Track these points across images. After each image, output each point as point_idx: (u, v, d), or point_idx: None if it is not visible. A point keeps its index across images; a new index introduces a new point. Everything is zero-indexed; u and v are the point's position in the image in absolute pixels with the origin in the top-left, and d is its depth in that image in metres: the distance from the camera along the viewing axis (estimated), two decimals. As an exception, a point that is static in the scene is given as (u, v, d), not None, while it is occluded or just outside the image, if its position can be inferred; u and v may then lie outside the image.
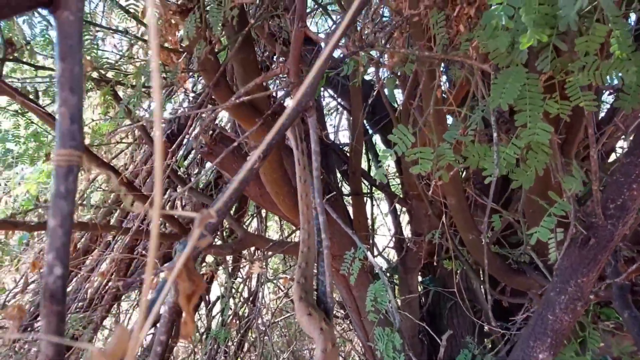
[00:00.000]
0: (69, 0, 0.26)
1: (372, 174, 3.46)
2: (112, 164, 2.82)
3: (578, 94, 0.74)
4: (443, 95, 1.23)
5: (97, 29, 1.63)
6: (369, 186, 3.20)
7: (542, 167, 0.80)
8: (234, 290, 3.53)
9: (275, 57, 2.87)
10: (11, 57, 1.99)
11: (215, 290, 3.70)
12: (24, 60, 2.05)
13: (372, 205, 3.24)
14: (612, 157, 2.13)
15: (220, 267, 3.40)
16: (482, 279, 2.27)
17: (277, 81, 2.61)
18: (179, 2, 1.47)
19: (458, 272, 2.13)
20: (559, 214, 0.82)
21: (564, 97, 0.75)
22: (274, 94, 2.62)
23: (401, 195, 2.71)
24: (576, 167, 0.84)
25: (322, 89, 2.95)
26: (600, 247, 0.86)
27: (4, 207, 3.21)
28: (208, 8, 1.32)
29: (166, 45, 1.52)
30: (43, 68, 2.12)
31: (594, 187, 0.84)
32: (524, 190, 1.25)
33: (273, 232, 4.39)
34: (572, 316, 0.87)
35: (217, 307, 3.49)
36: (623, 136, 1.78)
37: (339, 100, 3.26)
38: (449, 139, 0.84)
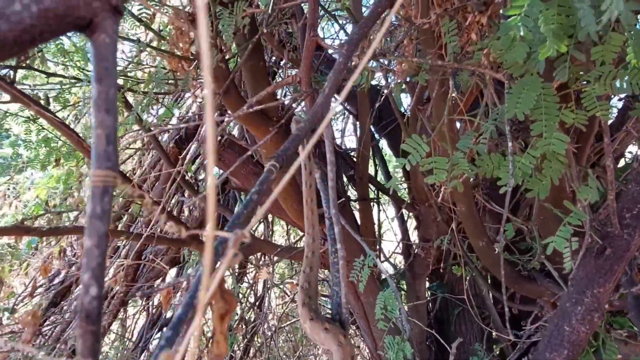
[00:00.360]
0: (105, 24, 0.27)
1: (379, 179, 3.45)
2: (120, 170, 2.84)
3: (594, 103, 0.73)
4: (452, 101, 1.23)
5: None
6: (375, 191, 3.19)
7: (557, 176, 0.80)
8: (240, 295, 3.53)
9: (282, 62, 2.88)
10: (24, 65, 2.02)
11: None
12: (36, 67, 2.08)
13: (379, 210, 3.23)
14: (622, 162, 2.11)
15: (227, 272, 3.41)
16: (490, 285, 2.25)
17: (285, 87, 2.62)
18: (190, 11, 1.48)
19: (467, 278, 2.12)
20: (574, 224, 0.82)
21: (578, 106, 0.75)
22: (283, 101, 2.63)
23: (408, 201, 2.70)
24: (592, 176, 0.83)
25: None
26: (617, 257, 0.85)
27: (14, 211, 3.25)
28: (219, 16, 1.33)
29: (177, 53, 1.54)
30: (54, 75, 2.15)
31: (610, 197, 0.83)
32: (536, 198, 1.24)
33: (279, 236, 4.39)
34: (589, 327, 0.86)
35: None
36: (634, 142, 1.76)
37: (346, 104, 3.26)
38: (462, 148, 0.83)
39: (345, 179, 3.08)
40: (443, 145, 0.88)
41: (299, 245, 3.20)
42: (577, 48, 0.71)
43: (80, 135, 1.97)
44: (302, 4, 1.65)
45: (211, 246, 0.22)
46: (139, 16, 1.56)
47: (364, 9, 1.83)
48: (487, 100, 0.95)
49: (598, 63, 0.73)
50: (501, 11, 0.85)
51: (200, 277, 0.42)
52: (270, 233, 3.80)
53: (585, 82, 0.74)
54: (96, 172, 0.27)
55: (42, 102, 1.97)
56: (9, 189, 3.31)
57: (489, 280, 2.36)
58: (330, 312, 0.72)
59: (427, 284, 2.91)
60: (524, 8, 0.61)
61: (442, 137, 0.89)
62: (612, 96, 1.50)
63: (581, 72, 0.74)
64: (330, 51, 2.60)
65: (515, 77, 0.76)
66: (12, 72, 1.85)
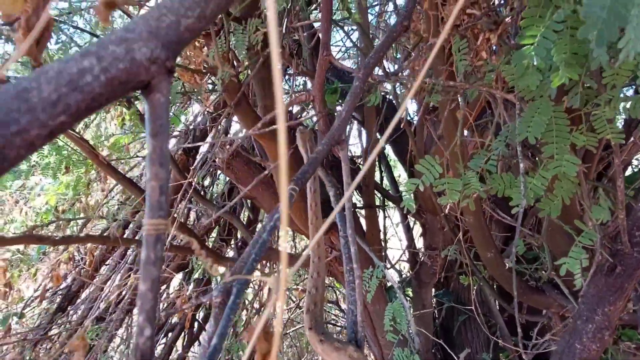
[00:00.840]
0: (161, 85, 0.29)
1: (384, 185, 3.47)
2: (128, 176, 2.87)
3: (605, 126, 0.75)
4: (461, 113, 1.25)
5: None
6: (381, 198, 3.20)
7: (568, 195, 0.81)
8: (246, 302, 3.54)
9: (287, 68, 2.90)
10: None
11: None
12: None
13: (385, 217, 3.24)
14: (629, 170, 2.11)
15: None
16: (497, 294, 2.25)
17: (293, 96, 2.64)
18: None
19: (475, 287, 2.12)
20: (585, 243, 0.83)
21: (589, 129, 0.76)
22: (290, 109, 2.66)
23: (414, 208, 2.71)
24: (603, 195, 0.85)
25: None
26: (627, 275, 0.86)
27: (24, 217, 3.29)
28: (233, 32, 1.36)
29: (190, 66, 1.57)
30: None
31: (620, 216, 0.85)
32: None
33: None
34: (600, 345, 0.87)
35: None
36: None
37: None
38: (474, 168, 0.85)
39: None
40: (456, 166, 0.90)
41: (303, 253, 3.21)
42: (587, 74, 0.72)
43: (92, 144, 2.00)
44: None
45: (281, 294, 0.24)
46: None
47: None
48: (497, 119, 0.97)
49: (609, 87, 0.74)
50: (513, 39, 0.87)
51: (231, 311, 0.44)
52: (276, 239, 3.82)
53: (595, 105, 0.76)
54: (150, 222, 0.29)
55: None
56: (20, 195, 3.35)
57: (496, 289, 2.37)
58: (342, 326, 0.74)
59: (433, 291, 2.91)
60: (537, 38, 0.63)
61: (454, 158, 0.91)
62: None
63: (595, 96, 0.76)
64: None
65: (527, 100, 0.78)
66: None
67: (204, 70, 1.59)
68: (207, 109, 2.45)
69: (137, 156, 3.02)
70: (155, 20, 0.28)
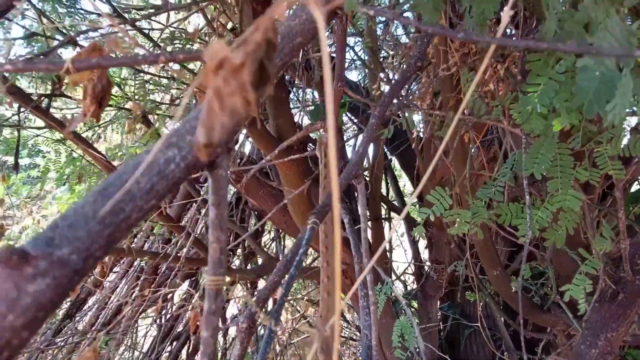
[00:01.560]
0: (222, 163, 0.34)
1: (390, 197, 3.51)
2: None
3: (606, 163, 0.80)
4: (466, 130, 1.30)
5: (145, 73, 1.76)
6: (387, 210, 3.24)
7: (573, 226, 0.86)
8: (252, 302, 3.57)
9: (294, 82, 2.96)
10: (58, 93, 2.14)
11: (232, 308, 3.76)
12: (68, 94, 2.20)
13: (390, 229, 3.28)
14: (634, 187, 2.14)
15: (238, 284, 3.46)
16: (502, 310, 2.28)
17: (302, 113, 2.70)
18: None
19: (481, 303, 2.15)
20: (589, 270, 0.87)
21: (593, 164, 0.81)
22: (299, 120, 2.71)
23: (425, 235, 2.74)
24: (606, 226, 0.89)
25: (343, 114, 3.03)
26: (629, 302, 0.90)
27: (37, 226, 3.36)
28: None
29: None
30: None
31: (622, 246, 0.89)
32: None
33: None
34: (603, 369, 0.91)
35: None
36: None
37: (360, 124, 3.33)
38: (482, 197, 0.90)
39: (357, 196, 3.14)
40: (465, 198, 0.95)
41: (312, 265, 3.25)
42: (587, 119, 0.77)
43: (106, 155, 2.07)
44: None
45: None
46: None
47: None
48: (505, 146, 1.02)
49: (610, 126, 0.79)
50: (519, 74, 0.92)
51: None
52: (282, 248, 3.86)
53: (597, 142, 0.80)
54: (211, 278, 0.34)
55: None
56: (33, 203, 3.43)
57: (501, 304, 2.39)
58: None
59: (439, 304, 2.94)
60: (540, 86, 0.68)
61: (463, 190, 0.96)
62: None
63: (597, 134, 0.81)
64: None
65: (533, 136, 0.83)
66: (47, 100, 1.96)
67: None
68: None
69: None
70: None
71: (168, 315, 3.44)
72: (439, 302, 2.92)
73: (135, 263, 3.33)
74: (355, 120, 3.30)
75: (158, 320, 3.53)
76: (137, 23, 1.72)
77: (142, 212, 0.28)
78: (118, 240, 0.27)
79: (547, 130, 0.75)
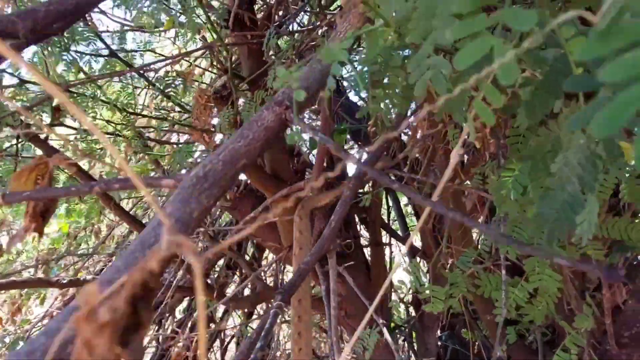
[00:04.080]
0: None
1: (390, 222, 3.47)
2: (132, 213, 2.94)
3: (587, 245, 0.77)
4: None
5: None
6: (388, 236, 3.20)
7: (553, 301, 0.83)
8: (249, 331, 3.55)
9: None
10: (57, 122, 2.17)
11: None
12: (68, 124, 2.24)
13: (391, 253, 3.23)
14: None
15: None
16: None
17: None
18: (214, 90, 1.59)
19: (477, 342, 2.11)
20: (571, 347, 0.85)
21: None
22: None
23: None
24: (588, 303, 0.86)
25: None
26: (615, 378, 0.86)
27: (36, 244, 3.39)
28: (241, 103, 1.43)
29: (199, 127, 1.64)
30: (86, 131, 2.29)
31: (607, 321, 0.86)
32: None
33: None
34: None
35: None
36: None
37: (361, 145, 3.30)
38: (461, 267, 0.88)
39: (357, 220, 3.09)
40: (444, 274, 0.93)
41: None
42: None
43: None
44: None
45: None
46: (168, 92, 1.69)
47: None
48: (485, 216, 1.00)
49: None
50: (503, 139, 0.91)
51: None
52: (282, 270, 3.84)
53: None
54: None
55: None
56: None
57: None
58: None
59: (439, 332, 2.88)
60: (514, 172, 0.66)
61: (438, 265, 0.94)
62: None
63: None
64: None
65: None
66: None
67: (213, 130, 1.66)
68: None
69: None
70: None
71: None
72: (439, 331, 2.86)
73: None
74: (359, 143, 3.28)
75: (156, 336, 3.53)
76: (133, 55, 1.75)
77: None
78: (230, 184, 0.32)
79: (523, 213, 0.73)
